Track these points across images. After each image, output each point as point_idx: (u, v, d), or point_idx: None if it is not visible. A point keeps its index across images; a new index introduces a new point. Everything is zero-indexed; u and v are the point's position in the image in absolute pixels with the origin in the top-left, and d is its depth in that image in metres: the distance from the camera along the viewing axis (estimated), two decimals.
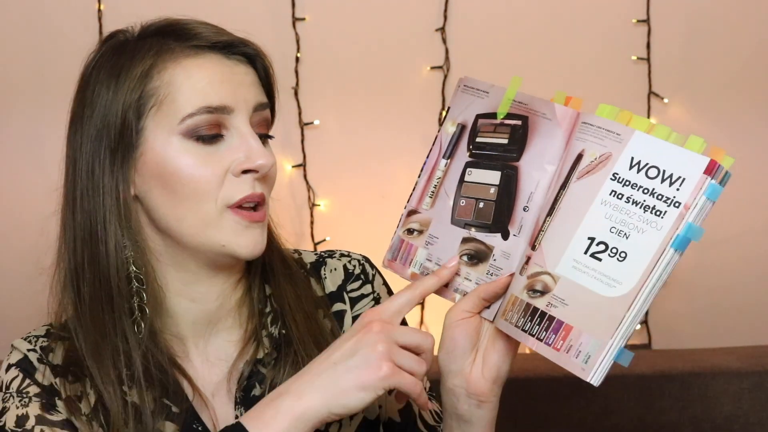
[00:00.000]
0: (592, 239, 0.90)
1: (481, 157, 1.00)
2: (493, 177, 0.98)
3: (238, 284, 1.07)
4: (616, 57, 2.43)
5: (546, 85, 2.35)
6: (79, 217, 1.00)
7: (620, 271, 0.88)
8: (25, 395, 1.01)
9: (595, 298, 0.88)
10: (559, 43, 2.42)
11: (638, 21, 2.42)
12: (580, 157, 0.93)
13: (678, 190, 0.87)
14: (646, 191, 0.88)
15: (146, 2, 2.32)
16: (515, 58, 2.42)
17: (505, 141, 0.98)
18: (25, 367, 1.03)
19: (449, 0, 2.40)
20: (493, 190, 0.98)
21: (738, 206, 2.45)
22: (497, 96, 1.00)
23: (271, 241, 1.08)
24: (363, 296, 1.14)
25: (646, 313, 2.43)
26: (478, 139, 1.00)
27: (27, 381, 1.02)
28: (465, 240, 0.99)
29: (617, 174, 0.90)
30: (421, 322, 2.47)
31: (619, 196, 0.89)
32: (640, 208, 0.88)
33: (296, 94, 2.38)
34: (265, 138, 1.03)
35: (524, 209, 0.96)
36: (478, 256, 0.98)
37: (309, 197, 2.43)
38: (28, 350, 1.04)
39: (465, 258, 0.99)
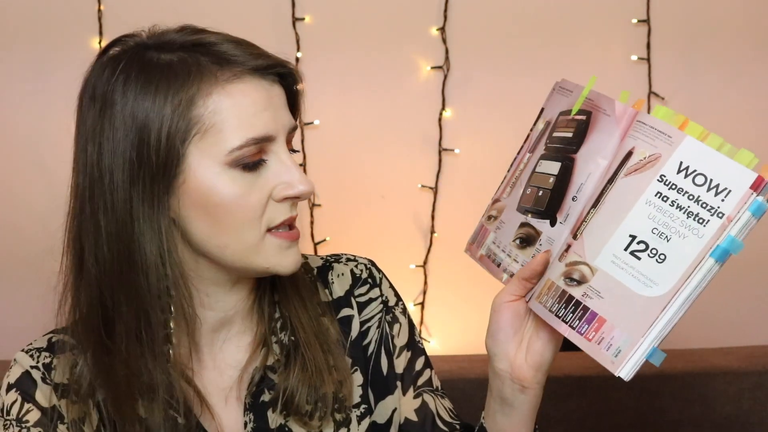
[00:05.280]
0: (633, 237, 0.91)
1: (551, 150, 1.04)
2: (554, 167, 1.02)
3: (252, 290, 1.08)
4: (616, 57, 2.44)
5: (546, 85, 2.36)
6: (112, 248, 0.97)
7: (658, 272, 0.89)
8: (24, 425, 1.01)
9: (630, 295, 0.90)
10: (559, 43, 2.42)
11: (638, 21, 2.42)
12: (629, 154, 0.94)
13: (723, 201, 0.87)
14: (691, 197, 0.89)
15: (147, 2, 2.33)
16: (515, 58, 2.42)
17: (570, 135, 1.02)
18: (25, 388, 1.02)
19: (449, 0, 2.40)
20: (551, 179, 1.01)
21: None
22: (577, 94, 1.04)
23: None
24: (371, 300, 1.14)
25: None
26: (554, 134, 1.05)
27: (26, 406, 1.01)
28: (521, 225, 1.03)
29: (664, 176, 0.90)
30: (421, 321, 2.47)
31: (665, 199, 0.90)
32: (684, 213, 0.89)
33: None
34: (292, 153, 1.03)
35: (573, 199, 0.99)
36: (527, 240, 1.02)
37: (309, 197, 2.43)
38: (31, 367, 1.03)
39: (517, 241, 1.03)
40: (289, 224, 1.00)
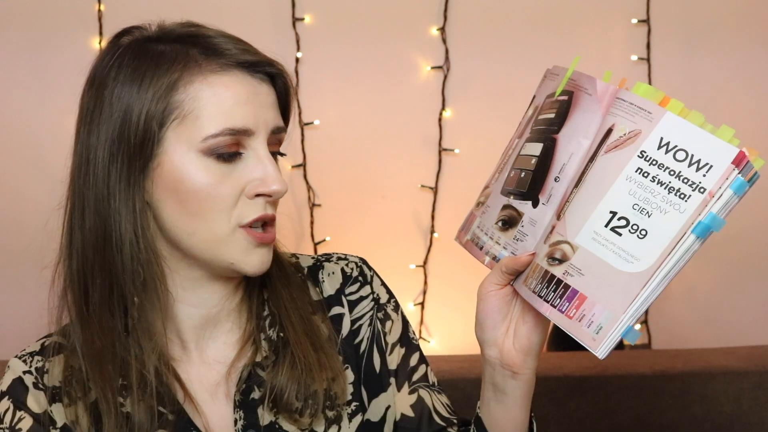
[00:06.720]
0: (613, 213, 0.90)
1: (535, 132, 1.02)
2: (536, 149, 1.01)
3: (238, 288, 1.08)
4: (616, 57, 2.44)
5: None
6: (91, 221, 1.00)
7: (639, 248, 0.88)
8: None
9: (611, 272, 0.89)
10: (559, 43, 2.43)
11: (638, 21, 2.42)
12: (609, 131, 0.93)
13: (704, 176, 0.87)
14: (672, 173, 0.88)
15: (147, 2, 2.33)
16: (515, 58, 2.42)
17: (553, 116, 1.01)
18: (17, 395, 1.02)
19: (449, 0, 2.40)
20: (534, 160, 1.00)
21: (737, 206, 2.45)
22: (562, 76, 1.03)
23: None
24: (362, 298, 1.15)
25: (646, 313, 2.43)
26: (539, 117, 1.04)
27: (19, 413, 1.02)
28: (504, 207, 1.02)
29: (645, 152, 0.90)
30: (421, 321, 2.47)
31: (645, 174, 0.89)
32: (665, 188, 0.88)
33: (296, 94, 2.38)
34: (276, 155, 1.04)
35: (555, 180, 0.98)
36: (510, 222, 1.01)
37: (309, 197, 2.43)
38: (24, 372, 1.03)
39: (500, 224, 1.02)
40: (264, 223, 1.00)
